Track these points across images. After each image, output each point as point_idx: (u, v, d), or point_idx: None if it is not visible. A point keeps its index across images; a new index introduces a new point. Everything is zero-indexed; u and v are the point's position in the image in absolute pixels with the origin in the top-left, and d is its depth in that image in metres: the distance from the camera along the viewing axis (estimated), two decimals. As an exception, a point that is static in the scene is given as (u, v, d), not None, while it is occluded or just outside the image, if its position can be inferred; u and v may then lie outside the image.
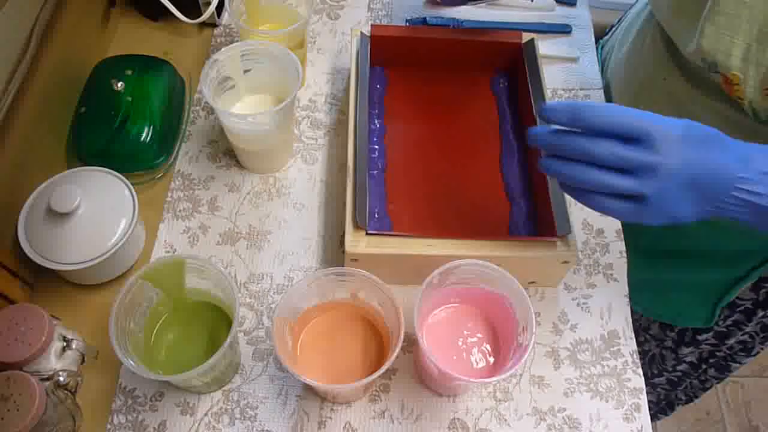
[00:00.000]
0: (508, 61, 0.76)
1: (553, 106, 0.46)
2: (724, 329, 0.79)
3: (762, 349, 0.82)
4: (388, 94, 0.75)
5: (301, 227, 0.68)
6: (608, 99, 0.78)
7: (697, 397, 1.00)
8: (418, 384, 0.60)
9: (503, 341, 0.58)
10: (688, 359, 0.88)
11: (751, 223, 0.47)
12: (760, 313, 0.74)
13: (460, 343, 0.58)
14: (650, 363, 0.94)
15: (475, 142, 0.72)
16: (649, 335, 0.89)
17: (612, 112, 0.44)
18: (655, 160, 0.44)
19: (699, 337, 0.82)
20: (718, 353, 0.85)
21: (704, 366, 0.89)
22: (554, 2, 0.87)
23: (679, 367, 0.91)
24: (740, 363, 0.86)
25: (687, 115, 0.63)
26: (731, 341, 0.81)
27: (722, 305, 0.75)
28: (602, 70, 0.83)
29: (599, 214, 0.69)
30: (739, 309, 0.76)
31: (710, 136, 0.46)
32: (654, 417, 1.09)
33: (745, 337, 0.80)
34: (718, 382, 0.93)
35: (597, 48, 0.85)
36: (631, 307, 0.65)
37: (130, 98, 0.68)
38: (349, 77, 0.77)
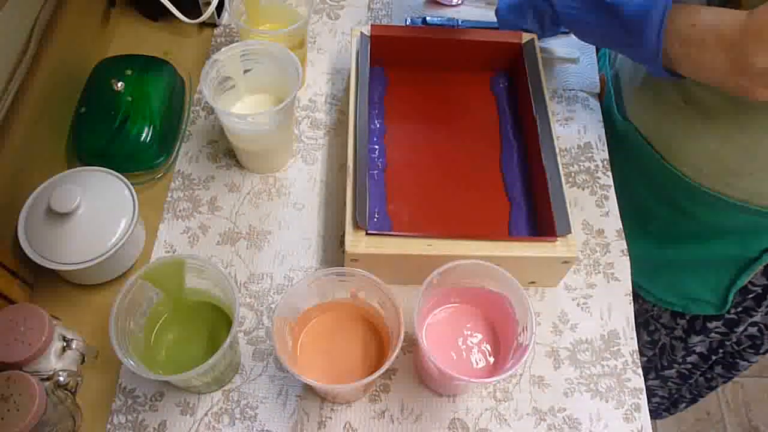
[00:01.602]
0: (508, 61, 0.76)
1: None
2: (735, 316, 0.79)
3: None
4: (388, 94, 0.75)
5: (301, 227, 0.68)
6: (617, 88, 0.79)
7: (701, 396, 0.99)
8: (418, 384, 0.60)
9: (503, 341, 0.58)
10: (698, 349, 0.88)
11: None
12: None
13: (460, 343, 0.58)
14: (660, 354, 0.94)
15: (475, 142, 0.72)
16: (660, 324, 0.89)
17: None
18: None
19: (709, 325, 0.82)
20: (726, 343, 0.85)
21: (714, 357, 0.89)
22: (554, 2, 0.87)
23: (688, 359, 0.91)
24: (748, 361, 0.86)
25: (694, 99, 0.64)
26: (740, 329, 0.81)
27: (735, 290, 0.75)
28: (610, 62, 0.83)
29: (599, 214, 0.70)
30: (750, 295, 0.76)
31: None
32: (658, 415, 1.09)
33: (754, 330, 0.80)
34: (724, 382, 0.93)
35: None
36: (633, 306, 0.66)
37: (130, 98, 0.68)
38: (349, 77, 0.77)
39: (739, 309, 0.78)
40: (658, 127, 0.71)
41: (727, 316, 0.80)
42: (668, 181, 0.71)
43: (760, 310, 0.77)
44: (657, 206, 0.75)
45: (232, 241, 0.67)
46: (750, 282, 0.75)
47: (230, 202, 0.69)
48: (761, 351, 0.83)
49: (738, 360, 0.86)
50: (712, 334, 0.84)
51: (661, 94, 0.69)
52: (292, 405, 0.59)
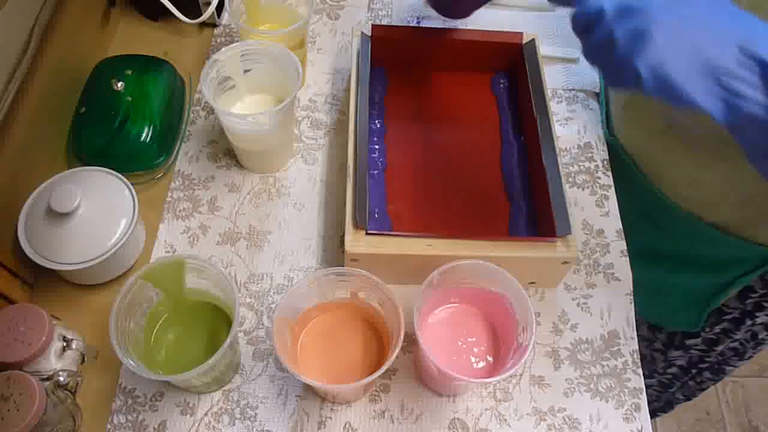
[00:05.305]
0: (508, 61, 0.76)
1: None
2: (713, 336, 0.79)
3: (754, 354, 0.82)
4: (388, 94, 0.75)
5: (301, 227, 0.68)
6: (606, 101, 0.79)
7: (695, 395, 1.00)
8: (418, 384, 0.60)
9: (503, 341, 0.58)
10: (678, 363, 0.88)
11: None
12: (748, 322, 0.75)
13: (460, 343, 0.58)
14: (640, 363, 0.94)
15: (475, 142, 0.72)
16: (639, 335, 0.89)
17: None
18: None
19: (688, 342, 0.82)
20: (708, 359, 0.85)
21: (694, 370, 0.89)
22: (554, 2, 0.87)
23: (669, 370, 0.91)
24: (734, 366, 0.86)
25: (677, 125, 0.63)
26: (721, 348, 0.81)
27: (708, 310, 0.75)
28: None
29: (599, 214, 0.70)
30: (726, 318, 0.76)
31: None
32: (653, 414, 1.10)
33: (736, 344, 0.80)
34: (714, 383, 0.93)
35: None
36: (633, 305, 0.65)
37: (130, 98, 0.68)
38: (349, 77, 0.77)
39: (717, 330, 0.78)
40: (640, 148, 0.71)
41: (705, 335, 0.80)
42: (651, 200, 0.71)
43: (738, 332, 0.77)
44: (639, 222, 0.75)
45: (232, 241, 0.67)
46: (724, 304, 0.74)
47: (230, 202, 0.69)
48: (746, 357, 0.83)
49: (724, 366, 0.86)
50: (692, 351, 0.84)
51: (645, 116, 0.68)
52: (292, 405, 0.59)
